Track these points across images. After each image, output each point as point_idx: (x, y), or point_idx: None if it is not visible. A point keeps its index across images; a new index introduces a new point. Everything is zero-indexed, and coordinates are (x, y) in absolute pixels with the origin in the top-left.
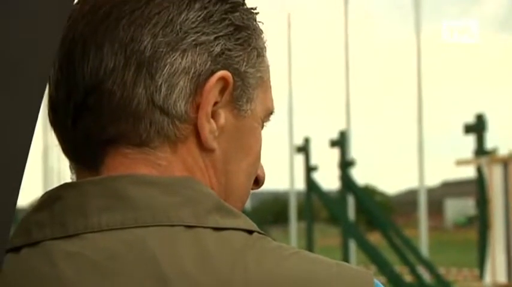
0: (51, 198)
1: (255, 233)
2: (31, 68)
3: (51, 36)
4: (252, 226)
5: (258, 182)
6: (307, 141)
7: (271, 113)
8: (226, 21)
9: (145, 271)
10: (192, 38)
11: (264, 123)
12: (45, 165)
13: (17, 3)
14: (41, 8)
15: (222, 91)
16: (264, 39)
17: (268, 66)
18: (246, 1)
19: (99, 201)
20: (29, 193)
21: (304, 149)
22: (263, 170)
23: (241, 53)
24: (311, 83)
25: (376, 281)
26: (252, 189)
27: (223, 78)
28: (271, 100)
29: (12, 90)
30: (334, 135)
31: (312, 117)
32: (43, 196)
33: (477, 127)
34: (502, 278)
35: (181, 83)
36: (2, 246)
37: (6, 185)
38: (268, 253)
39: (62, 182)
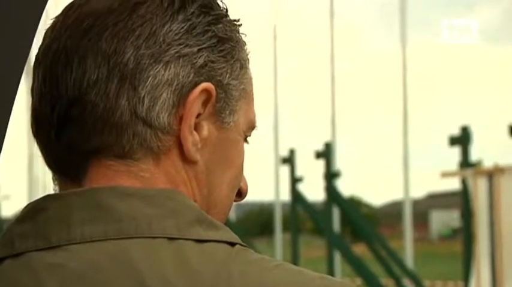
0: (35, 209)
1: (237, 245)
2: (3, 72)
3: (23, 41)
4: (234, 238)
5: (241, 194)
6: (292, 152)
7: (253, 126)
8: (210, 33)
9: (128, 283)
10: (175, 50)
11: (247, 135)
12: (30, 175)
13: None
14: (13, 13)
15: (205, 103)
16: (247, 51)
17: (251, 79)
18: (230, 13)
19: (82, 213)
20: (14, 203)
21: (289, 160)
22: (246, 182)
23: (224, 65)
24: (296, 94)
25: None
26: (235, 201)
27: (206, 90)
28: (254, 113)
29: None
30: (320, 146)
31: (297, 128)
32: (26, 207)
33: (462, 139)
34: None
35: (164, 95)
36: None
37: None
38: (251, 265)
39: (47, 192)
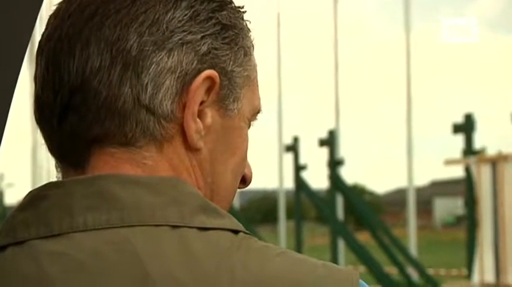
0: (37, 197)
1: (241, 233)
2: (3, 60)
3: (23, 33)
4: (238, 225)
5: (245, 181)
6: (296, 140)
7: (258, 112)
8: (213, 20)
9: (130, 271)
10: (179, 37)
11: (251, 123)
12: (34, 163)
13: None
14: (11, 7)
15: (208, 90)
16: (252, 38)
17: (255, 65)
18: (234, 0)
19: (84, 200)
20: (18, 190)
21: (293, 148)
22: (250, 169)
23: (228, 52)
24: (300, 82)
25: (361, 282)
26: (239, 188)
27: (209, 78)
28: (259, 99)
29: None
30: (323, 134)
31: (301, 116)
32: (28, 194)
33: (466, 127)
34: (489, 277)
35: (167, 82)
36: None
37: None
38: (254, 253)
39: (51, 180)
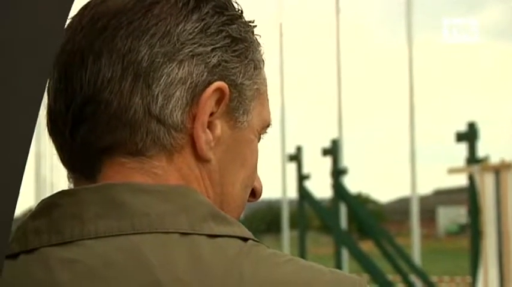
0: (48, 205)
1: (250, 241)
2: (30, 69)
3: (51, 37)
4: (247, 233)
5: (255, 194)
6: (299, 150)
7: (268, 125)
8: (224, 33)
9: (141, 278)
10: (189, 49)
11: (261, 136)
12: (38, 174)
13: (16, 3)
14: (41, 8)
15: (218, 102)
16: (262, 52)
17: (265, 79)
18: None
19: (95, 208)
20: (21, 201)
21: (296, 157)
22: (260, 182)
23: (238, 65)
24: (303, 91)
25: None
26: (249, 201)
27: (219, 89)
28: (269, 113)
29: (11, 92)
30: (327, 143)
31: (304, 126)
32: (40, 203)
33: (469, 135)
34: (494, 286)
35: (177, 93)
36: (2, 252)
37: (6, 190)
38: (262, 260)
39: (54, 191)
